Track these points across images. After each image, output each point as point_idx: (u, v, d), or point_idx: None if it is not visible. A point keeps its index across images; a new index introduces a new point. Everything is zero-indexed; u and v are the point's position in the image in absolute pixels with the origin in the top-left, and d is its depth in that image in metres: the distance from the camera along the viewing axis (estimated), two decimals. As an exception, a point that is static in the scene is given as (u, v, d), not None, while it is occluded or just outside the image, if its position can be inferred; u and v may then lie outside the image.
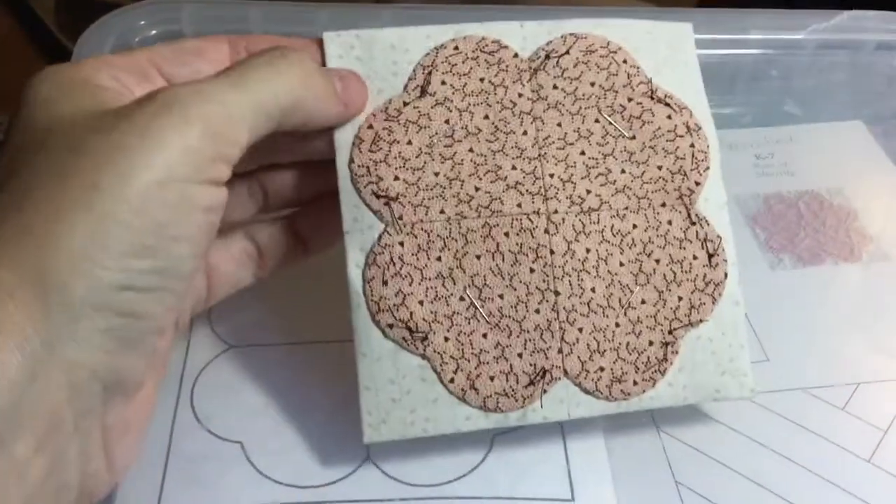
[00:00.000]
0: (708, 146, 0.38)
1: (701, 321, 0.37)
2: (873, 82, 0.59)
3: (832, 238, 0.51)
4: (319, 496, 0.37)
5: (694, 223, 0.38)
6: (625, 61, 0.38)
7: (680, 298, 0.37)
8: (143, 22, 0.48)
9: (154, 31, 0.48)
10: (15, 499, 0.24)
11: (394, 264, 0.35)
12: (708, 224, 0.38)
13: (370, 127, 0.35)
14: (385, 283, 0.35)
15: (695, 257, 0.37)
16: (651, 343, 0.37)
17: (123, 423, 0.29)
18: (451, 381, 0.35)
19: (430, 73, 0.36)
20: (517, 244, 0.36)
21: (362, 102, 0.36)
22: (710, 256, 0.38)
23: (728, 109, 0.38)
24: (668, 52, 0.39)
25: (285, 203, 0.38)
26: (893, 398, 0.43)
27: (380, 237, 0.35)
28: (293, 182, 0.38)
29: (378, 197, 0.35)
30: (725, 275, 0.38)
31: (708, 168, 0.38)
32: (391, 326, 0.35)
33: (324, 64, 0.36)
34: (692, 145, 0.38)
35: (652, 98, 0.38)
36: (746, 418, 0.41)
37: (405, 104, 0.36)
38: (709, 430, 0.40)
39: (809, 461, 0.40)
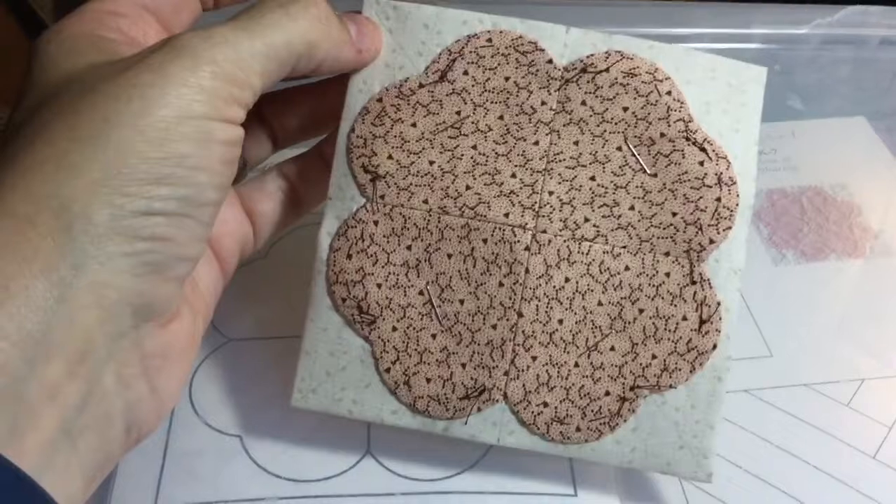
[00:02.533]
0: (737, 205, 0.35)
1: (671, 386, 0.34)
2: (876, 78, 0.57)
3: (835, 233, 0.50)
4: (319, 490, 0.37)
5: (695, 282, 0.34)
6: (668, 92, 0.35)
7: (654, 356, 0.34)
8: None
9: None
10: (50, 424, 0.24)
11: (362, 241, 0.35)
12: (710, 287, 0.34)
13: (379, 101, 0.35)
14: (349, 256, 0.35)
15: (684, 318, 0.34)
16: (607, 393, 0.34)
17: (162, 351, 0.29)
18: (387, 370, 0.35)
19: (454, 59, 0.35)
20: (493, 253, 0.34)
21: (377, 48, 0.35)
22: (703, 322, 0.34)
23: None
24: (726, 92, 0.35)
25: (301, 134, 0.39)
26: (899, 395, 0.42)
27: (357, 211, 0.35)
28: (306, 113, 0.38)
29: (366, 171, 0.35)
30: (714, 346, 0.34)
31: (729, 228, 0.35)
32: (344, 301, 0.35)
33: None
34: (718, 199, 0.35)
35: (687, 139, 0.35)
36: (750, 414, 0.42)
37: (421, 86, 0.35)
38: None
39: (814, 457, 0.40)
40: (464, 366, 0.34)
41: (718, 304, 0.34)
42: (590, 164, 0.35)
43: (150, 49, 0.27)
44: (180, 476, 0.37)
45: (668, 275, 0.34)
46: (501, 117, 0.35)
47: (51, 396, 0.24)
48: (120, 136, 0.25)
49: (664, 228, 0.35)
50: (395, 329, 0.34)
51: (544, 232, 0.34)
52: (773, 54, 0.55)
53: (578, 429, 0.34)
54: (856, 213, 0.51)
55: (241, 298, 0.36)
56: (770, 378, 0.43)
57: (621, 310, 0.34)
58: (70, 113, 0.26)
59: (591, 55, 0.35)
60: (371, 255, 0.35)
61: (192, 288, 0.32)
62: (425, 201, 0.35)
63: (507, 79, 0.35)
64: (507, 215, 0.34)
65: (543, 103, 0.35)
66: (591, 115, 0.35)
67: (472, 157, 0.35)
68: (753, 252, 0.49)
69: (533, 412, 0.34)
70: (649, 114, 0.35)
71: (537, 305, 0.34)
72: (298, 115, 0.38)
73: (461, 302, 0.34)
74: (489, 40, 0.35)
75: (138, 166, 0.25)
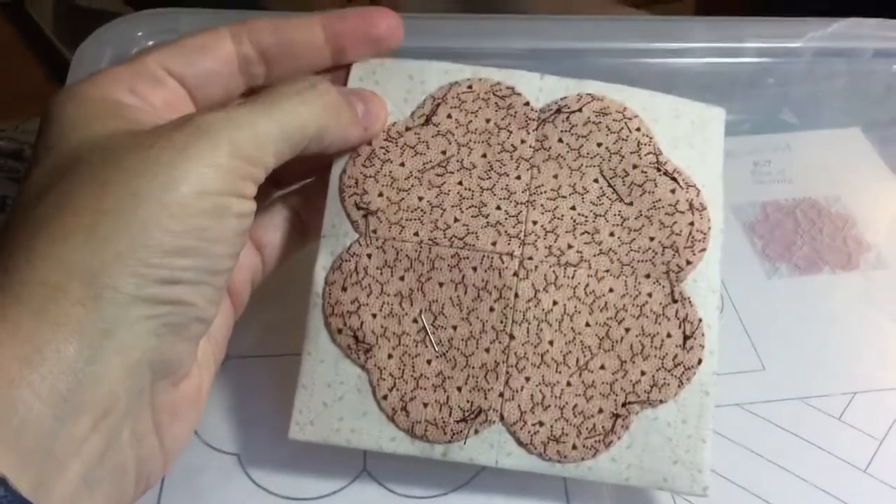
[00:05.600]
0: (709, 228, 0.37)
1: (661, 402, 0.35)
2: (871, 89, 0.58)
3: (829, 246, 0.50)
4: None
5: (676, 301, 0.36)
6: (638, 129, 0.38)
7: (643, 373, 0.35)
8: (140, 32, 0.49)
9: (152, 41, 0.49)
10: (73, 476, 0.26)
11: (357, 273, 0.36)
12: (691, 305, 0.36)
13: (369, 144, 0.37)
14: (344, 289, 0.36)
15: (669, 335, 0.36)
16: (600, 411, 0.35)
17: (172, 408, 0.31)
18: (385, 398, 0.35)
19: (438, 104, 0.38)
20: (483, 280, 0.36)
21: (381, 125, 0.37)
22: (686, 338, 0.36)
23: (726, 117, 0.38)
24: (690, 129, 0.38)
25: (303, 176, 0.40)
26: (890, 408, 0.43)
27: (350, 245, 0.36)
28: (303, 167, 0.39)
29: (359, 208, 0.36)
30: (699, 361, 0.36)
31: (704, 250, 0.37)
32: (340, 331, 0.36)
33: (345, 83, 0.38)
34: (691, 223, 0.37)
35: (658, 170, 0.37)
36: (742, 428, 0.42)
37: (407, 129, 0.37)
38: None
39: (805, 471, 0.40)
40: (459, 389, 0.35)
41: (700, 320, 0.36)
42: (569, 195, 0.37)
43: (173, 126, 0.29)
44: (179, 495, 0.37)
45: (650, 295, 0.36)
46: (484, 155, 0.37)
47: (75, 451, 0.26)
48: (146, 210, 0.27)
49: (643, 252, 0.36)
50: (390, 356, 0.35)
51: (530, 258, 0.36)
52: (767, 68, 0.56)
53: (574, 447, 0.35)
54: (850, 226, 0.52)
55: (241, 316, 0.37)
56: (762, 392, 0.43)
57: (608, 330, 0.36)
58: (97, 185, 0.27)
59: (565, 97, 0.38)
60: (365, 287, 0.36)
61: (206, 338, 0.34)
62: (416, 234, 0.36)
63: (487, 120, 0.38)
64: (494, 244, 0.36)
65: (523, 141, 0.37)
66: (567, 151, 0.37)
67: (458, 192, 0.37)
68: (747, 265, 0.50)
69: (529, 431, 0.35)
70: (621, 148, 0.37)
71: (528, 328, 0.36)
72: (300, 158, 0.40)
73: (454, 328, 0.36)
74: (470, 87, 0.38)
75: (162, 239, 0.27)
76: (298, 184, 0.40)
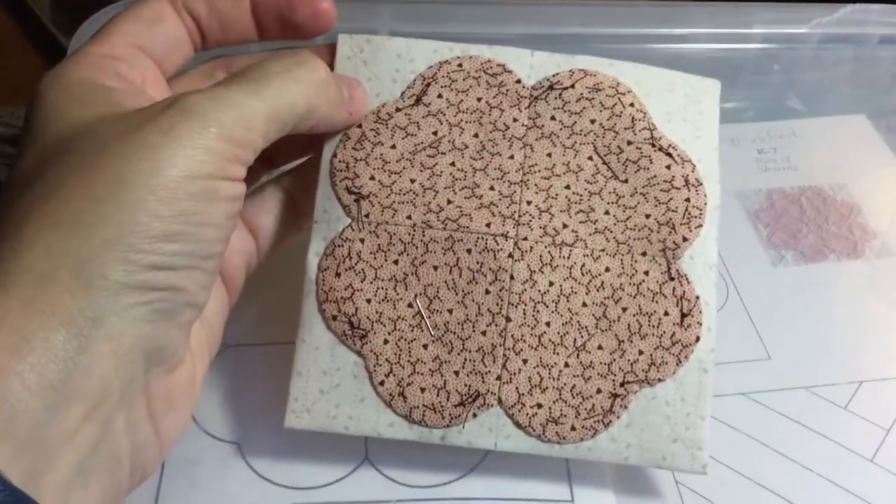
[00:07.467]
0: (705, 204, 0.36)
1: (659, 380, 0.35)
2: (877, 76, 0.58)
3: (835, 234, 0.50)
4: (317, 497, 0.37)
5: (673, 278, 0.36)
6: (631, 104, 0.37)
7: (641, 352, 0.35)
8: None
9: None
10: (67, 466, 0.25)
11: (350, 258, 0.35)
12: (688, 282, 0.36)
13: (359, 126, 0.36)
14: (338, 275, 0.35)
15: (666, 313, 0.35)
16: (599, 391, 0.35)
17: (166, 396, 0.30)
18: (381, 383, 0.35)
19: (428, 84, 0.37)
20: (478, 263, 0.35)
21: (364, 111, 0.37)
22: (684, 316, 0.35)
23: (730, 104, 0.38)
24: (685, 102, 0.38)
25: (294, 154, 0.40)
26: (896, 397, 0.42)
27: (343, 230, 0.36)
28: (295, 145, 0.39)
29: (350, 192, 0.36)
30: (697, 338, 0.35)
31: (700, 226, 0.36)
32: (334, 318, 0.35)
33: (332, 62, 0.37)
34: (687, 199, 0.36)
35: (653, 145, 0.37)
36: (747, 417, 0.41)
37: (397, 110, 0.37)
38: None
39: (811, 461, 0.40)
40: (457, 373, 0.35)
41: (697, 297, 0.36)
42: (564, 173, 0.36)
43: (158, 108, 0.28)
44: (179, 484, 0.37)
45: (646, 273, 0.36)
46: (476, 135, 0.37)
47: (68, 440, 0.25)
48: (134, 196, 0.26)
49: (639, 230, 0.36)
50: (386, 342, 0.35)
51: (525, 239, 0.36)
52: (773, 54, 0.55)
53: (573, 428, 0.35)
54: (855, 214, 0.51)
55: (238, 304, 0.37)
56: (768, 381, 0.43)
57: (605, 309, 0.35)
58: (83, 171, 0.27)
59: (557, 74, 0.37)
60: (359, 272, 0.35)
61: (200, 324, 0.33)
62: (409, 217, 0.36)
63: (479, 99, 0.37)
64: (488, 225, 0.36)
65: (515, 120, 0.37)
66: (561, 129, 0.37)
67: (451, 174, 0.36)
68: (752, 253, 0.49)
69: (528, 414, 0.35)
70: (615, 124, 0.37)
71: (524, 310, 0.35)
72: (291, 137, 0.39)
73: (450, 311, 0.35)
74: (460, 65, 0.37)
75: (150, 224, 0.26)
76: (291, 164, 0.40)
